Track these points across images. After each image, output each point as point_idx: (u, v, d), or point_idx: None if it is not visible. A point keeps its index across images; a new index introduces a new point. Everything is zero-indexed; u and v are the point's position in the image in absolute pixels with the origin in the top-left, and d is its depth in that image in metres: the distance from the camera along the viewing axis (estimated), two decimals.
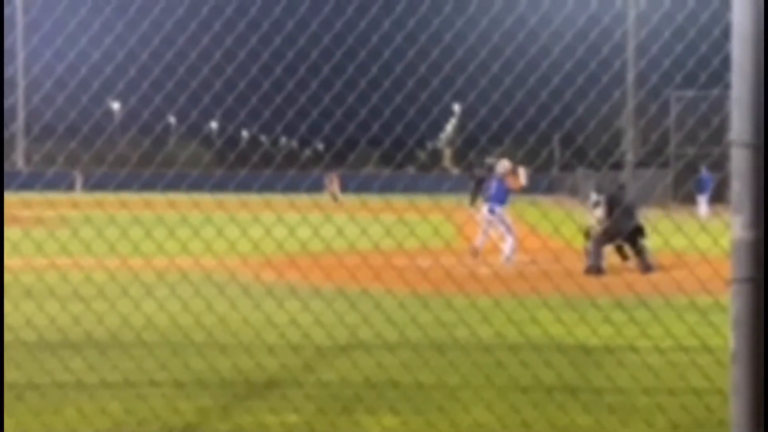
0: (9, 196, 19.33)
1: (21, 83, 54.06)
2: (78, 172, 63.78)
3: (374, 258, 13.70)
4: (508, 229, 20.66)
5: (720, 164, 39.75)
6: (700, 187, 40.66)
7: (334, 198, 51.50)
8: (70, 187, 58.14)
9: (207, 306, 10.20)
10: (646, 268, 18.73)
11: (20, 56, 48.30)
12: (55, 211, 19.47)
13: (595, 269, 18.46)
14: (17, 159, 76.38)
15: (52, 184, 58.34)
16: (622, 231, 19.04)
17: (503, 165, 21.47)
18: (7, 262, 12.83)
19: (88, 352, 9.66)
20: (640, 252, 19.18)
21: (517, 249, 20.42)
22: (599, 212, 19.70)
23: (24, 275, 13.40)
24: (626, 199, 20.17)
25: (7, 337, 10.30)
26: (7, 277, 13.42)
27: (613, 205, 19.58)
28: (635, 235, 19.25)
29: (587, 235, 19.54)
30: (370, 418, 7.60)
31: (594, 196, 20.28)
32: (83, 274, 11.64)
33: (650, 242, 19.04)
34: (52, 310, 10.71)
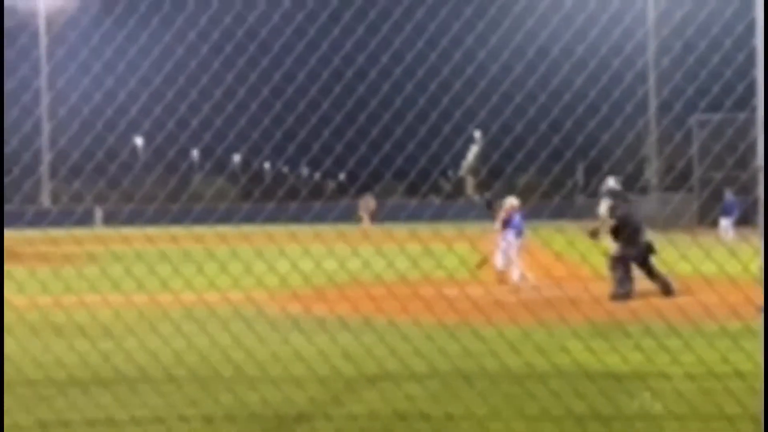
0: (37, 234, 19.48)
1: (46, 126, 54.61)
2: (98, 206, 63.99)
3: (401, 289, 13.71)
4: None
5: (747, 188, 39.53)
6: (724, 211, 40.41)
7: (363, 221, 49.75)
8: (90, 221, 58.26)
9: (235, 341, 10.23)
10: (668, 290, 17.90)
11: (45, 100, 48.80)
12: (81, 247, 19.61)
13: (621, 295, 17.81)
14: (44, 199, 76.95)
15: (80, 221, 58.76)
16: (634, 252, 18.37)
17: (510, 203, 21.84)
18: (37, 300, 12.92)
19: (118, 388, 9.69)
20: (653, 273, 18.32)
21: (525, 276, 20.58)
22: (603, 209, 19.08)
23: (54, 314, 13.48)
24: (636, 217, 19.18)
25: (38, 375, 10.36)
26: (36, 316, 13.51)
27: (624, 225, 18.61)
28: (646, 254, 18.43)
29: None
30: None
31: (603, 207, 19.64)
32: (112, 311, 11.69)
33: (678, 267, 18.75)
34: (82, 347, 10.78)
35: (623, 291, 17.87)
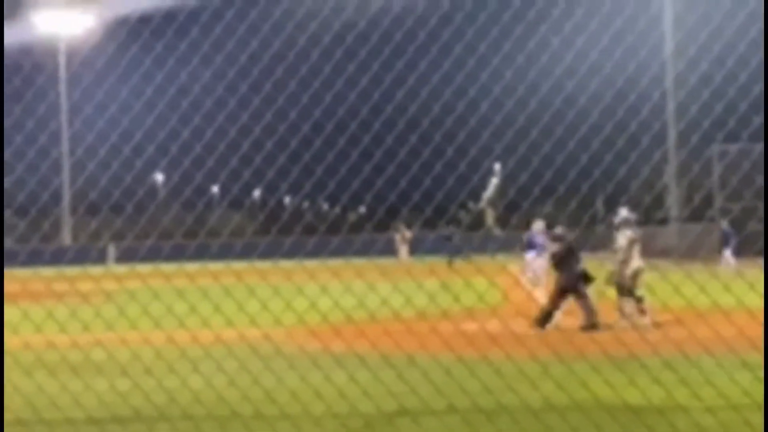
0: (54, 273, 19.51)
1: (66, 165, 54.98)
2: (111, 244, 63.93)
3: (419, 325, 13.66)
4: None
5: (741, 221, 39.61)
6: (725, 242, 40.33)
7: (401, 254, 48.41)
8: (102, 259, 58.21)
9: (253, 380, 10.19)
10: (591, 325, 17.86)
11: (65, 138, 49.09)
12: (97, 285, 19.61)
13: (589, 325, 17.79)
14: (65, 237, 77.33)
15: (96, 259, 58.77)
16: (573, 281, 18.54)
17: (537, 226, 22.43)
18: (54, 339, 12.93)
19: (135, 427, 9.66)
20: (586, 304, 18.36)
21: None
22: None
23: (71, 353, 13.47)
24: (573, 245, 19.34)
25: (56, 415, 10.35)
26: (54, 356, 13.51)
27: (567, 253, 18.95)
28: (580, 283, 18.58)
29: (621, 288, 19.04)
30: None
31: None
32: (129, 350, 11.66)
33: (697, 300, 18.61)
34: (100, 387, 10.77)
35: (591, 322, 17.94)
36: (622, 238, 18.89)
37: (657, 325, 17.77)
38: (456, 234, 48.72)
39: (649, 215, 45.81)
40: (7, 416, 10.37)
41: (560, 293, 18.68)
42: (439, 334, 13.69)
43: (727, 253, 39.09)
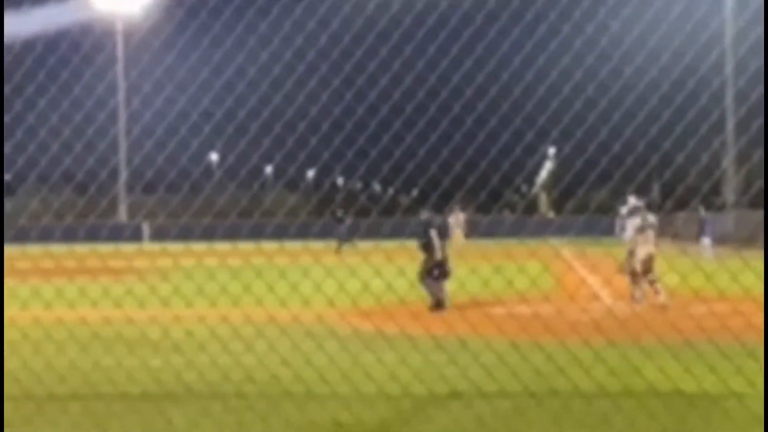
0: (109, 248, 19.75)
1: (122, 145, 55.46)
2: (146, 222, 64.33)
3: (472, 309, 13.65)
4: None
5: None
6: (703, 230, 39.89)
7: (458, 238, 47.64)
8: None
9: (306, 360, 10.25)
10: (437, 304, 18.06)
11: (122, 117, 49.52)
12: (152, 263, 19.84)
13: (435, 305, 18.01)
14: (121, 214, 78.16)
15: (153, 237, 59.26)
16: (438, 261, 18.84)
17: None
18: (110, 313, 13.10)
19: (189, 405, 9.76)
20: (437, 287, 18.64)
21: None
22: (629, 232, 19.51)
23: (127, 329, 13.65)
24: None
25: (110, 389, 10.49)
26: (110, 331, 13.69)
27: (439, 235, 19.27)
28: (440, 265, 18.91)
29: (634, 275, 19.34)
30: None
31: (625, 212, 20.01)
32: (184, 328, 11.77)
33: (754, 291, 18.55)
34: (154, 364, 10.91)
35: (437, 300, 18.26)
36: (631, 226, 19.39)
37: (665, 308, 18.00)
38: (347, 217, 48.34)
39: (708, 202, 45.41)
40: (63, 390, 10.54)
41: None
42: (492, 318, 13.68)
43: (706, 241, 38.76)
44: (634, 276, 19.20)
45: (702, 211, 40.21)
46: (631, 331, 13.88)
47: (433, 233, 19.27)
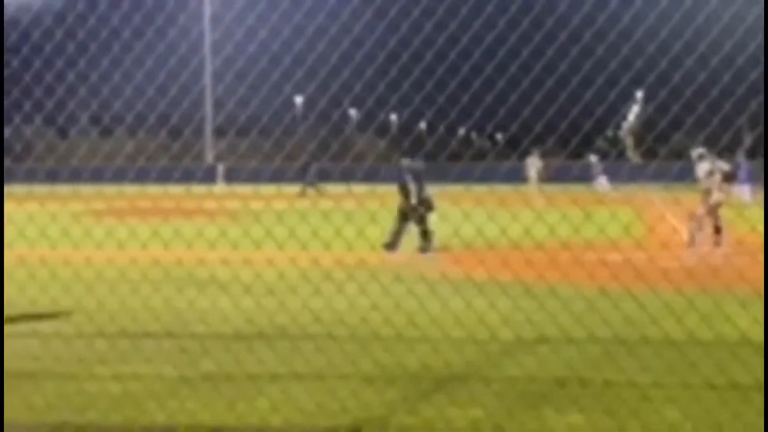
0: (202, 190, 19.99)
1: (209, 94, 55.89)
2: (220, 164, 64.72)
3: (562, 255, 13.58)
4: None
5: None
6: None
7: (531, 182, 47.04)
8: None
9: (396, 304, 10.33)
10: (423, 249, 18.97)
11: (208, 66, 49.79)
12: (245, 204, 20.06)
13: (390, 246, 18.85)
14: (208, 156, 78.89)
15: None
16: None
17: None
18: (203, 255, 13.34)
19: (280, 345, 9.93)
20: (425, 232, 19.48)
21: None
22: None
23: (220, 271, 13.90)
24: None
25: (204, 329, 10.73)
26: (204, 272, 13.95)
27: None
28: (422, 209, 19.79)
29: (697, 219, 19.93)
30: (557, 415, 7.52)
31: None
32: (276, 270, 11.93)
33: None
34: (246, 304, 11.11)
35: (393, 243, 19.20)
36: (701, 170, 20.42)
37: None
38: (313, 164, 48.08)
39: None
40: (157, 328, 10.81)
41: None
42: (582, 264, 13.60)
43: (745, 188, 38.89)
44: (697, 219, 20.00)
45: (739, 156, 40.56)
46: (725, 280, 13.71)
47: (408, 177, 20.37)
